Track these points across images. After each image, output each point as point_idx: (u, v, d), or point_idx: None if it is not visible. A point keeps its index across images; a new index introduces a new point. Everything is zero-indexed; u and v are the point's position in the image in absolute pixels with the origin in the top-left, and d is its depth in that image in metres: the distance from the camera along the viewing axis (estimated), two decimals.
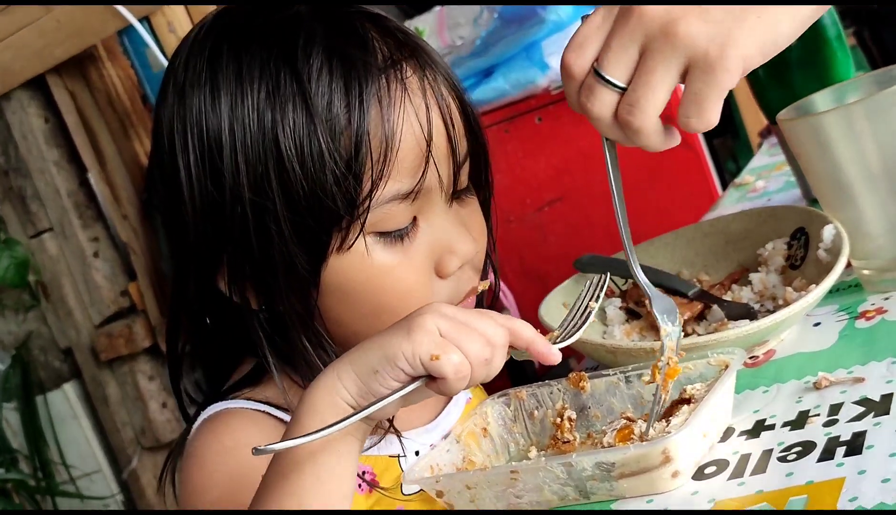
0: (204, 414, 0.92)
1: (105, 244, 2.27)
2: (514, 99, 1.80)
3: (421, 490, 0.92)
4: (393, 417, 0.89)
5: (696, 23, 0.75)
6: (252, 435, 0.87)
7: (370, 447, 0.93)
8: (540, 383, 0.98)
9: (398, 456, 0.95)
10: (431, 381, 0.75)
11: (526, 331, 0.79)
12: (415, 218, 0.87)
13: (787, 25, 0.77)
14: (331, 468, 0.76)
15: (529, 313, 1.71)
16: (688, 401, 0.86)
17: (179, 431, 2.25)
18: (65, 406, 2.39)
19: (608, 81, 0.78)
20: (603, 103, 0.79)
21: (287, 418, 0.90)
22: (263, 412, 0.91)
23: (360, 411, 0.74)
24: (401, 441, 0.94)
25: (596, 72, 0.79)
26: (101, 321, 2.29)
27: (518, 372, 1.76)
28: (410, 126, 0.84)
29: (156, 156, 0.90)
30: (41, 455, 2.41)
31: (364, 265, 0.85)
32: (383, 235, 0.86)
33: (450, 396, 0.80)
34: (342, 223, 0.84)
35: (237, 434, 0.88)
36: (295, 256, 0.84)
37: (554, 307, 1.14)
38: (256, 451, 0.71)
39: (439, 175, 0.87)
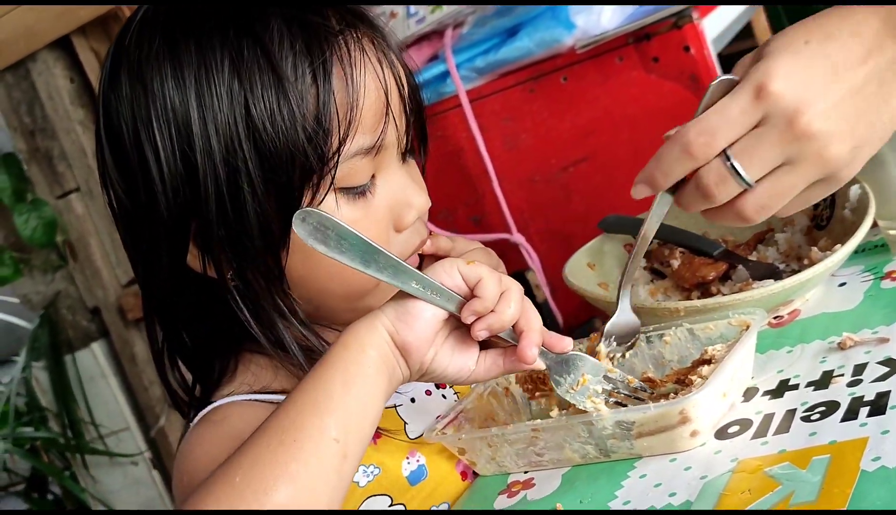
0: (200, 415, 0.94)
1: None
2: (539, 58, 1.78)
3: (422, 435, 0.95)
4: None
5: (845, 148, 0.79)
6: (249, 419, 0.89)
7: None
8: None
9: (395, 407, 0.97)
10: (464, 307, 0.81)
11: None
12: (372, 176, 0.91)
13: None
14: (361, 380, 0.79)
15: (554, 272, 1.71)
16: (708, 361, 0.86)
17: None
18: (93, 365, 2.41)
19: (741, 177, 0.80)
20: (729, 192, 0.82)
21: (270, 397, 0.92)
22: (253, 400, 0.93)
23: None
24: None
25: (730, 163, 0.80)
26: (129, 281, 2.30)
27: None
28: (371, 83, 0.88)
29: (111, 142, 0.90)
30: (70, 413, 2.43)
31: None
32: (347, 191, 0.89)
33: (488, 325, 0.82)
34: (313, 179, 0.87)
35: (234, 419, 0.91)
36: (268, 214, 0.86)
37: (578, 268, 1.13)
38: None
39: (397, 128, 0.91)
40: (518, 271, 1.90)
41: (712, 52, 1.68)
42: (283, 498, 0.73)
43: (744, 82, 0.80)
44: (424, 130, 1.00)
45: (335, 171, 0.87)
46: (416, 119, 0.96)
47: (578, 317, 1.86)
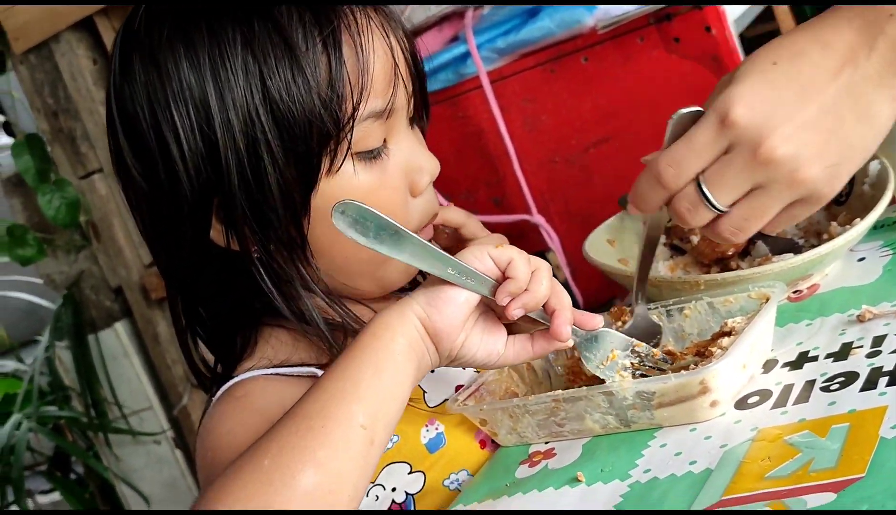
0: (221, 390, 0.95)
1: None
2: (560, 39, 1.78)
3: (444, 401, 0.96)
4: None
5: (817, 169, 0.79)
6: (270, 393, 0.91)
7: None
8: None
9: None
10: (496, 291, 0.82)
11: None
12: (384, 140, 0.93)
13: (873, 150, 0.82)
14: (390, 367, 0.80)
15: (574, 252, 1.71)
16: (728, 333, 0.86)
17: None
18: (116, 345, 2.42)
19: (711, 203, 0.82)
20: (703, 218, 0.84)
21: (290, 371, 0.93)
22: (273, 374, 0.94)
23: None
24: None
25: (701, 191, 0.82)
26: (151, 261, 2.32)
27: None
28: (379, 49, 0.91)
29: (126, 128, 0.91)
30: (93, 392, 2.45)
31: (352, 186, 0.90)
32: (363, 156, 0.92)
33: (523, 304, 0.83)
34: (330, 144, 0.89)
35: (255, 394, 0.92)
36: (289, 183, 0.88)
37: (598, 244, 1.14)
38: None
39: (405, 92, 0.93)
40: (538, 252, 1.90)
41: (734, 32, 1.68)
42: (311, 483, 0.74)
43: (710, 111, 0.82)
44: (426, 97, 1.02)
45: (351, 135, 0.89)
46: (419, 86, 0.98)
47: (599, 297, 1.87)
